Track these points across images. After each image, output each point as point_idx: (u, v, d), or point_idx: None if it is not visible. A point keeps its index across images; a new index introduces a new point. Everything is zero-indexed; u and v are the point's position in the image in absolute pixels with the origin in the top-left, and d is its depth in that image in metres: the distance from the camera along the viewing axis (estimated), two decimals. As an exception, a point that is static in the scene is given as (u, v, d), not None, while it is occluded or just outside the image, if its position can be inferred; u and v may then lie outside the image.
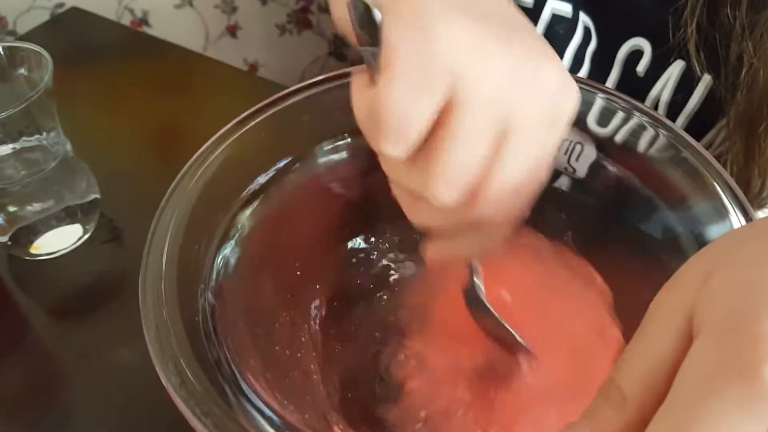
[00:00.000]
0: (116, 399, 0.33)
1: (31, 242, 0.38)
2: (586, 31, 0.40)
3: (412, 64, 0.19)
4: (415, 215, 0.24)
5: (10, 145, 0.36)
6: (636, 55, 0.39)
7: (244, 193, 0.27)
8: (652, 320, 0.17)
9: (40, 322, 0.38)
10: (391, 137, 0.20)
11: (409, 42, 0.20)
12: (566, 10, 0.40)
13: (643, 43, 0.39)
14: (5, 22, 0.71)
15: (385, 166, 0.23)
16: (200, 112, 0.50)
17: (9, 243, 0.38)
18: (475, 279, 0.26)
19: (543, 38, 0.23)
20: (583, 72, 0.41)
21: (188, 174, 0.26)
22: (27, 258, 0.39)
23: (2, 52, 0.36)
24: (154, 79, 0.55)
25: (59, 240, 0.39)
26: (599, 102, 0.30)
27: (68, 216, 0.39)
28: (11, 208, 0.37)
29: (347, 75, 0.25)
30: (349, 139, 0.30)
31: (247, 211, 0.27)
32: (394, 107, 0.19)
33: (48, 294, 0.39)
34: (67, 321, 0.38)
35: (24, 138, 0.36)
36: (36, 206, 0.38)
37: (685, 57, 0.37)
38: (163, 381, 0.20)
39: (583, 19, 0.40)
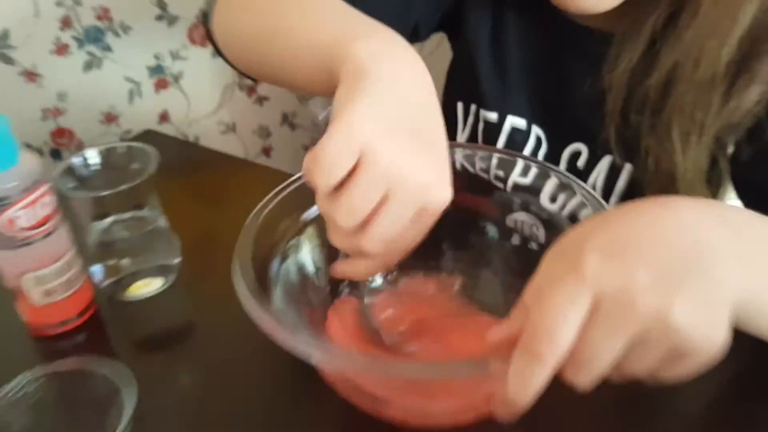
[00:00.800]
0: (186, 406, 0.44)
1: (125, 288, 0.51)
2: (538, 138, 0.55)
3: (344, 131, 0.32)
4: (332, 237, 0.36)
5: (123, 215, 0.49)
6: (576, 155, 0.54)
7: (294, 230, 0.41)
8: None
9: (125, 351, 0.49)
10: (324, 173, 0.32)
11: (344, 121, 0.32)
12: (522, 123, 0.55)
13: (581, 146, 0.53)
14: (82, 145, 0.88)
15: (317, 201, 0.34)
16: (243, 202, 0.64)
17: (108, 287, 0.50)
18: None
19: (444, 153, 0.36)
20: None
21: (251, 222, 0.39)
22: (121, 300, 0.51)
23: (123, 150, 0.51)
24: (212, 184, 0.69)
25: (147, 289, 0.51)
26: (553, 180, 0.44)
27: (157, 271, 0.52)
28: (112, 261, 0.50)
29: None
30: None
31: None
32: (329, 154, 0.32)
33: (134, 329, 0.50)
34: (148, 352, 0.49)
35: (133, 211, 0.50)
36: (135, 261, 0.51)
37: (611, 152, 0.51)
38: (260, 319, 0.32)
39: (535, 130, 0.55)
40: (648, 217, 0.29)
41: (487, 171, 0.47)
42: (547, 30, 0.54)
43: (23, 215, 0.43)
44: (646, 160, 0.49)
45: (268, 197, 0.40)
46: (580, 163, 0.53)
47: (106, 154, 0.50)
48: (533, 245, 0.46)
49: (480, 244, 0.47)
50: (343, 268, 0.39)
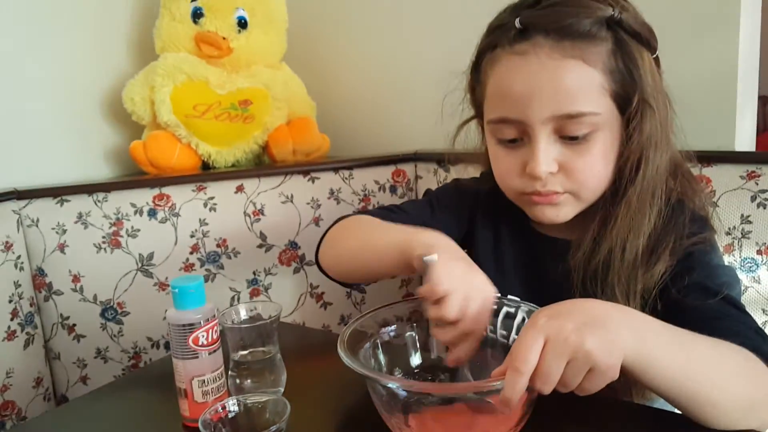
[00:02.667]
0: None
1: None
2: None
3: (441, 278, 0.61)
4: (438, 335, 0.63)
5: (254, 349, 0.76)
6: None
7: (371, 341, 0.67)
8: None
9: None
10: (435, 292, 0.61)
11: (441, 272, 0.62)
12: (516, 299, 0.83)
13: None
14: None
15: (430, 312, 0.62)
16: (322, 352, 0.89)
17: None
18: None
19: (478, 270, 0.66)
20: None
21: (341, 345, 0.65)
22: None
23: (257, 307, 0.79)
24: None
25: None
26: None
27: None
28: (241, 378, 0.75)
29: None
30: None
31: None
32: (437, 282, 0.61)
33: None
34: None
35: (262, 348, 0.76)
36: (254, 380, 0.75)
37: None
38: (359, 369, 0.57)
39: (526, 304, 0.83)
40: (575, 302, 0.57)
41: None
42: (529, 240, 0.85)
43: (202, 336, 0.70)
44: None
45: (349, 325, 0.67)
46: None
47: (250, 309, 0.78)
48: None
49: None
50: (452, 356, 0.64)
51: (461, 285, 0.62)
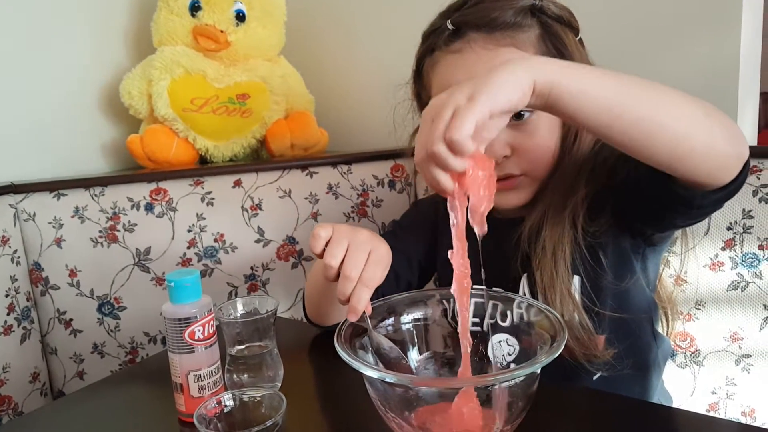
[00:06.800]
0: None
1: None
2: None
3: (322, 228, 0.67)
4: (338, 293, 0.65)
5: (251, 343, 0.75)
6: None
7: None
8: None
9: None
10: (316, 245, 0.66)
11: (324, 225, 0.67)
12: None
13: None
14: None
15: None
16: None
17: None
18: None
19: (364, 230, 0.69)
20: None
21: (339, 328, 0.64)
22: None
23: (254, 300, 0.78)
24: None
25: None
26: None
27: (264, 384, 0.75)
28: (237, 374, 0.74)
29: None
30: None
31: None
32: (313, 233, 0.67)
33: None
34: None
35: (258, 343, 0.75)
36: (250, 375, 0.74)
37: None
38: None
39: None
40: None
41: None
42: (493, 228, 0.85)
43: (199, 330, 0.70)
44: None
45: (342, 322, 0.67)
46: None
47: (247, 303, 0.78)
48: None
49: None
50: (349, 310, 0.63)
51: (344, 236, 0.66)
